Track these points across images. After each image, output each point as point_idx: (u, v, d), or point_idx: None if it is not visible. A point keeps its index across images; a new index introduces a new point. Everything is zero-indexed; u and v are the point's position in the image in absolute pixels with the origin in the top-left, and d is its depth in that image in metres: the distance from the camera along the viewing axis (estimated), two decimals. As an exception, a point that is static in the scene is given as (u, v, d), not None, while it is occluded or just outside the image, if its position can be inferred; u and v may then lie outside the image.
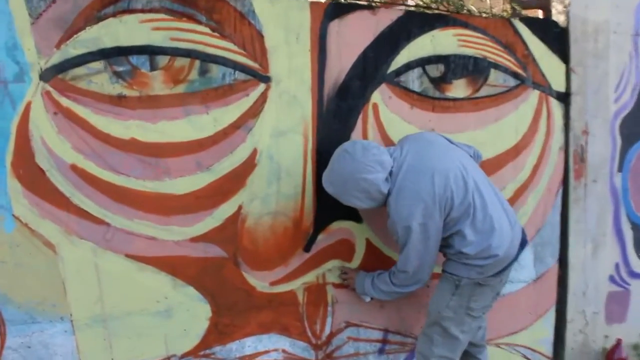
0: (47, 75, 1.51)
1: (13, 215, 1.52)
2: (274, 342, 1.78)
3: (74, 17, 1.52)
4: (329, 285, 1.87)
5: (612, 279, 2.35)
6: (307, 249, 1.80)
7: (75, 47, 1.53)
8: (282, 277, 1.79)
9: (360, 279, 1.79)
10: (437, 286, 1.72)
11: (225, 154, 1.69)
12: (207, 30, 1.64)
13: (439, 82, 1.92)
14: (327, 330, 1.84)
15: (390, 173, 1.61)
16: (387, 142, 1.85)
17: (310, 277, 1.83)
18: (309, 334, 1.83)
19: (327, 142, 1.76)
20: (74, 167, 1.55)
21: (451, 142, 1.74)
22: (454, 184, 1.59)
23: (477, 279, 1.62)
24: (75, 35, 1.52)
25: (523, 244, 1.73)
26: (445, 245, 1.64)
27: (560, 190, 2.16)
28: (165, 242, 1.64)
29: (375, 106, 1.84)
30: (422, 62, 1.89)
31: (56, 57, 1.52)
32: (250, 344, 1.75)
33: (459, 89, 1.95)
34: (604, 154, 2.23)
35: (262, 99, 1.71)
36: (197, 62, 1.63)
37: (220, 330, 1.72)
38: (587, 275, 2.28)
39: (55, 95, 1.52)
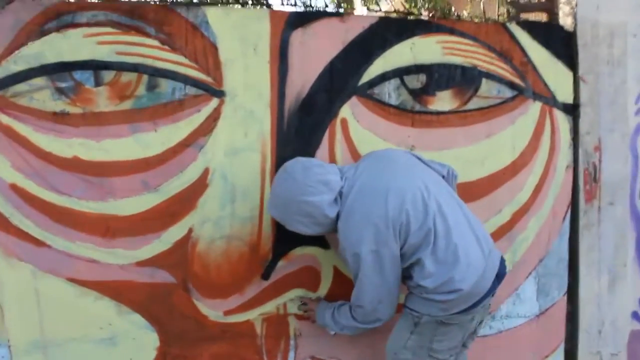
0: None
1: None
2: (227, 377, 1.67)
3: (16, 33, 1.48)
4: (291, 316, 1.72)
5: (635, 315, 2.07)
6: (265, 276, 1.66)
7: (16, 63, 1.47)
8: (238, 306, 1.65)
9: (321, 310, 1.63)
10: (396, 323, 1.53)
11: (174, 173, 1.58)
12: (156, 43, 1.54)
13: (420, 94, 1.73)
14: (291, 362, 1.71)
15: (341, 194, 1.44)
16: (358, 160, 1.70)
17: (269, 307, 1.69)
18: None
19: (287, 160, 1.58)
20: (13, 187, 1.50)
21: (420, 160, 1.55)
22: (411, 206, 1.40)
23: (439, 316, 1.42)
24: (16, 51, 1.48)
25: (501, 276, 1.50)
26: (405, 276, 1.45)
27: (569, 215, 1.92)
28: (109, 266, 1.56)
29: (344, 121, 1.67)
30: (400, 73, 1.70)
31: None
32: None
33: (443, 101, 1.74)
34: (623, 172, 1.95)
35: (215, 114, 1.59)
36: (145, 77, 1.54)
37: (168, 361, 1.64)
38: (603, 311, 2.00)
39: (-4, 113, 1.52)
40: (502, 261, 1.52)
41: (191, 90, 1.57)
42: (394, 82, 1.71)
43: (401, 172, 1.46)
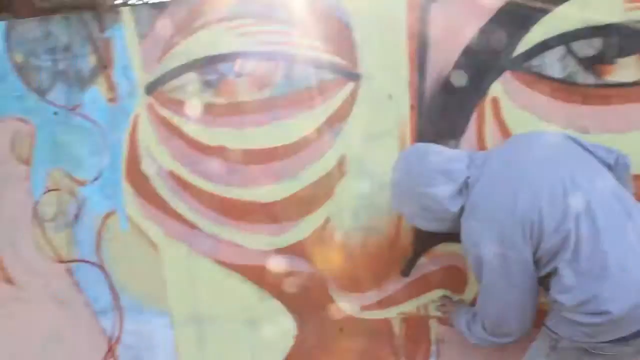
0: (150, 89, 1.93)
1: (126, 216, 2.08)
2: (361, 374, 1.91)
3: (171, 33, 1.93)
4: (433, 319, 1.85)
5: None
6: (405, 273, 1.83)
7: (172, 61, 1.92)
8: (375, 302, 1.86)
9: (459, 314, 1.69)
10: (533, 341, 1.51)
11: (311, 161, 1.84)
12: (292, 30, 1.85)
13: (594, 63, 1.65)
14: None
15: (467, 186, 1.46)
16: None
17: (409, 306, 1.85)
18: (406, 373, 1.89)
19: None
20: (171, 174, 1.95)
21: (580, 145, 1.47)
22: (546, 202, 1.34)
23: (583, 343, 1.33)
24: (172, 50, 1.93)
25: None
26: (544, 287, 1.41)
27: None
28: (251, 251, 1.93)
29: (494, 101, 1.70)
30: (567, 39, 1.65)
31: (157, 72, 1.92)
32: None
33: (626, 70, 1.64)
34: None
35: (351, 99, 1.80)
36: (282, 65, 1.87)
37: (306, 351, 1.91)
38: None
39: (157, 106, 1.94)
40: None
41: (326, 75, 1.81)
42: (559, 51, 1.66)
43: (541, 161, 1.41)
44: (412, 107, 1.75)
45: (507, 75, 1.69)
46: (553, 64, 1.67)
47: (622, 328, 1.31)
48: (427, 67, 1.72)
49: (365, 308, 1.85)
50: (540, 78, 1.68)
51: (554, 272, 1.37)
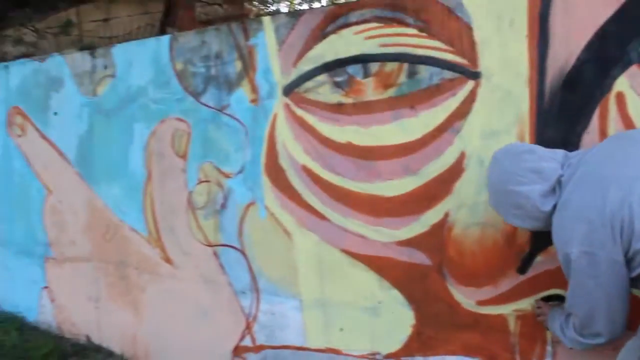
0: (287, 90, 2.57)
1: (265, 206, 2.62)
2: (478, 368, 2.22)
3: (305, 39, 2.43)
4: None
5: None
6: (521, 270, 2.17)
7: (306, 64, 2.49)
8: (491, 297, 2.24)
9: (553, 316, 1.95)
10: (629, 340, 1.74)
11: (432, 157, 2.29)
12: (415, 31, 2.26)
13: None
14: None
15: (561, 184, 1.72)
16: None
17: (524, 304, 2.18)
18: (522, 371, 2.16)
19: (548, 144, 2.02)
20: (304, 168, 2.55)
21: None
22: (638, 201, 1.52)
23: None
24: (306, 54, 2.45)
25: None
26: (638, 287, 1.63)
27: None
28: (374, 242, 2.43)
29: (620, 96, 1.96)
30: None
31: (293, 75, 2.55)
32: None
33: None
34: None
35: (471, 97, 2.18)
36: (405, 65, 2.27)
37: (423, 341, 2.37)
38: None
39: (292, 106, 2.54)
40: None
41: (447, 74, 2.22)
42: None
43: (636, 158, 1.61)
44: (531, 104, 2.01)
45: (634, 69, 1.92)
46: (687, 55, 1.82)
47: None
48: (548, 63, 2.00)
49: (480, 303, 2.22)
50: (672, 71, 1.84)
51: None
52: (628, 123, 1.98)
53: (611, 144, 1.76)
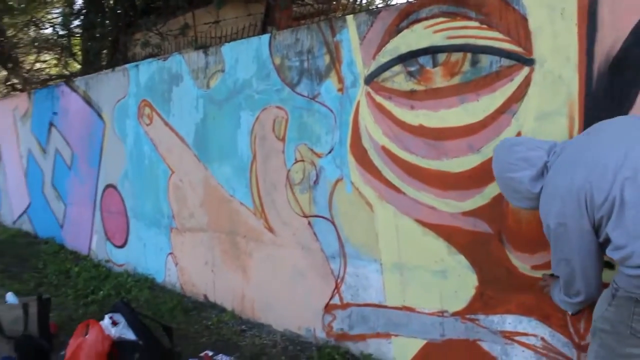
0: (368, 80, 2.99)
1: (351, 181, 3.04)
2: (534, 327, 2.60)
3: (382, 34, 2.81)
4: None
5: None
6: None
7: (383, 56, 2.89)
8: (544, 262, 2.54)
9: (553, 286, 2.31)
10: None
11: (492, 137, 2.62)
12: (477, 24, 2.58)
13: None
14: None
15: (547, 169, 2.10)
16: None
17: None
18: (571, 330, 2.51)
19: (596, 123, 2.25)
20: (383, 148, 2.98)
21: None
22: (598, 177, 1.89)
23: (634, 293, 1.82)
24: (383, 48, 2.83)
25: None
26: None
27: None
28: (442, 213, 2.82)
29: (662, 78, 2.11)
30: None
31: (373, 66, 2.96)
32: (510, 322, 2.66)
33: None
34: None
35: (526, 82, 2.48)
36: (469, 55, 2.61)
37: (484, 301, 2.72)
38: None
39: (373, 94, 2.96)
40: None
41: (505, 62, 2.53)
42: None
43: (606, 141, 1.97)
44: (580, 87, 2.27)
45: None
46: None
47: None
48: (596, 49, 2.24)
49: (535, 267, 2.50)
50: None
51: (606, 237, 1.93)
52: (670, 102, 2.21)
53: (588, 132, 2.09)
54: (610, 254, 1.92)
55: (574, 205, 1.97)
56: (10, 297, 3.84)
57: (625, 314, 1.90)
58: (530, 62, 2.49)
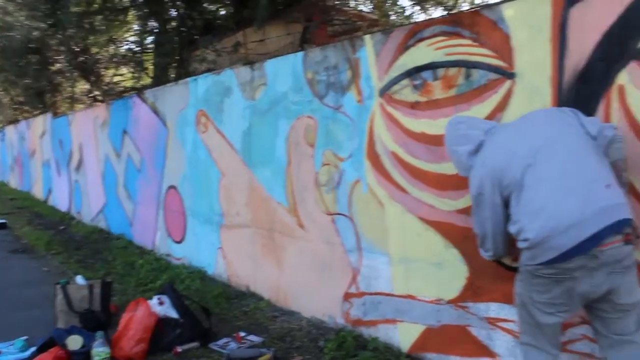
0: (381, 92, 3.43)
1: (366, 182, 3.46)
2: (513, 314, 2.90)
3: (393, 51, 3.23)
4: None
5: None
6: None
7: (394, 71, 3.32)
8: None
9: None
10: None
11: None
12: (469, 42, 2.98)
13: None
14: (562, 319, 2.67)
15: (482, 147, 2.52)
16: (638, 129, 2.40)
17: None
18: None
19: None
20: (393, 153, 3.40)
21: (577, 116, 2.34)
22: (509, 160, 2.35)
23: (529, 266, 2.24)
24: (394, 63, 3.26)
25: (603, 234, 2.10)
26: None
27: None
28: (440, 211, 3.20)
29: (620, 89, 2.52)
30: None
31: (385, 80, 3.40)
32: (494, 309, 3.03)
33: None
34: None
35: (509, 93, 2.87)
36: (463, 70, 2.96)
37: (473, 290, 3.10)
38: None
39: (385, 105, 3.39)
40: (621, 222, 2.14)
41: (492, 76, 2.92)
42: None
43: (523, 130, 2.44)
44: (552, 97, 2.64)
45: (633, 64, 2.48)
46: (675, 52, 2.28)
47: (546, 253, 2.22)
48: (566, 64, 2.59)
49: (515, 260, 2.78)
50: (663, 66, 2.32)
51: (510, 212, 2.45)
52: (627, 112, 2.55)
53: (516, 121, 2.56)
54: (509, 227, 2.40)
55: (489, 182, 2.48)
56: (79, 279, 4.56)
57: (528, 286, 2.36)
58: (512, 75, 2.88)
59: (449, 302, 3.26)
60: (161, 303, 4.02)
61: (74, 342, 3.63)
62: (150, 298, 4.04)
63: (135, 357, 3.63)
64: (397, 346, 3.58)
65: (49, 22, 8.15)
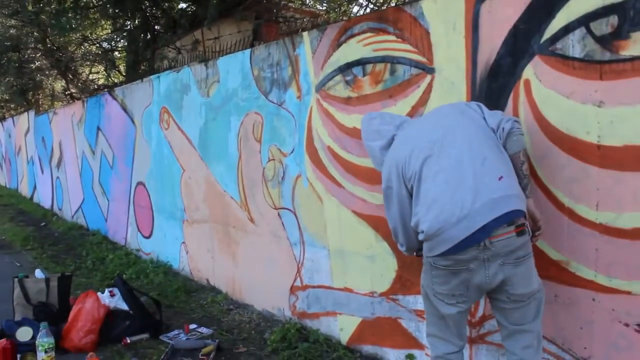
0: (318, 88, 3.51)
1: (307, 177, 3.54)
2: (440, 304, 2.88)
3: (327, 48, 3.30)
4: None
5: None
6: None
7: (328, 68, 3.39)
8: None
9: None
10: None
11: None
12: (393, 38, 3.02)
13: (610, 40, 2.28)
14: (480, 311, 2.84)
15: (393, 141, 2.58)
16: (543, 122, 2.54)
17: None
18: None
19: None
20: (329, 148, 3.46)
21: (480, 110, 2.40)
22: (411, 154, 2.42)
23: (428, 257, 2.31)
24: (328, 60, 3.33)
25: (493, 226, 2.16)
26: None
27: None
28: (371, 205, 3.26)
29: (526, 83, 2.57)
30: (586, 20, 2.37)
31: (321, 76, 3.48)
32: (421, 302, 2.96)
33: None
34: None
35: (429, 88, 2.93)
36: (389, 65, 3.02)
37: (402, 283, 3.14)
38: None
39: (321, 100, 3.47)
40: (513, 212, 2.20)
41: (414, 71, 2.98)
42: (579, 32, 2.40)
43: (426, 125, 2.52)
44: (467, 91, 2.72)
45: (537, 59, 2.53)
46: (574, 44, 2.41)
47: (441, 245, 2.29)
48: (479, 58, 2.65)
49: None
50: (563, 59, 2.43)
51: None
52: (533, 106, 2.60)
53: (423, 116, 2.68)
54: (412, 220, 2.43)
55: (395, 175, 2.54)
56: (38, 272, 4.66)
57: (429, 277, 2.40)
58: (431, 70, 2.95)
59: (381, 294, 3.34)
60: (112, 295, 4.13)
61: (24, 334, 3.74)
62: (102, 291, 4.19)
63: (84, 348, 3.73)
64: (337, 338, 3.68)
65: (23, 20, 8.24)
